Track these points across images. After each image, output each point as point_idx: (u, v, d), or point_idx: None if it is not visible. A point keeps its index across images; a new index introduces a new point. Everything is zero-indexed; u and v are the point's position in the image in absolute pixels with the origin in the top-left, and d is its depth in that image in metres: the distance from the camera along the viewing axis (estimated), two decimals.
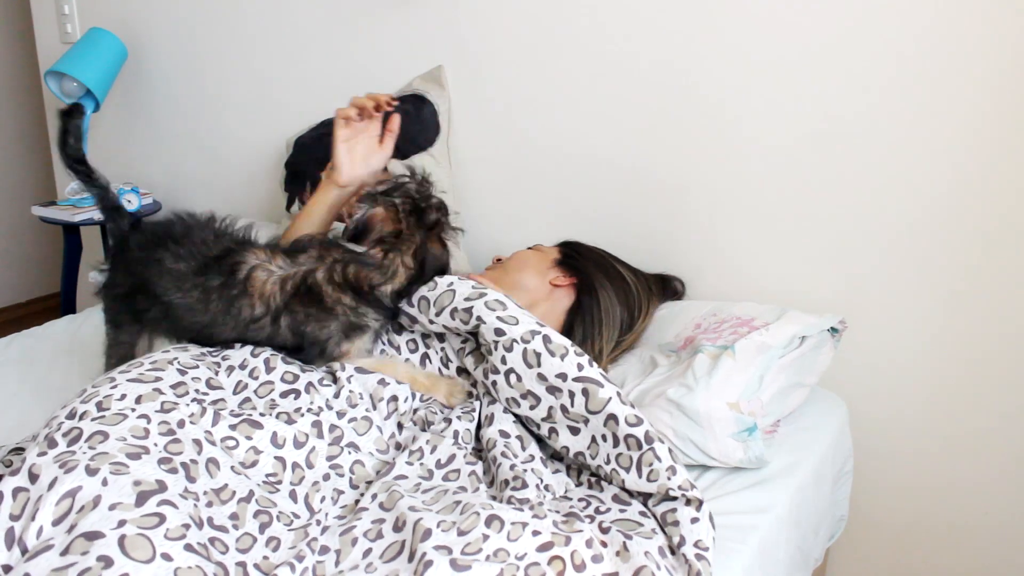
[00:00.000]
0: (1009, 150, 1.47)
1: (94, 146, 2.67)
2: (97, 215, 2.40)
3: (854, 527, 1.73)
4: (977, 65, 1.47)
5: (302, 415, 1.21)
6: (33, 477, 0.96)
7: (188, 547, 0.90)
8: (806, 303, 1.65)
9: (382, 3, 2.06)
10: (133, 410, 1.08)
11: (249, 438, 1.15)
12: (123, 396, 1.10)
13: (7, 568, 0.89)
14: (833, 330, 1.51)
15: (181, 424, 1.10)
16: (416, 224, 1.34)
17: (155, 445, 1.04)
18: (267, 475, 1.13)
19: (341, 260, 1.31)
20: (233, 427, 1.14)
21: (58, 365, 1.72)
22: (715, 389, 1.33)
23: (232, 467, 1.10)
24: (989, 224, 1.52)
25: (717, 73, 1.69)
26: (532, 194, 1.97)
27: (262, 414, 1.19)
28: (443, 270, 1.38)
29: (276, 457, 1.15)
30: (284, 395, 1.25)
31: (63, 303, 2.53)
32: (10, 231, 3.52)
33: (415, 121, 1.98)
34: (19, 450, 1.26)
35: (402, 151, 1.98)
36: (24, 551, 0.90)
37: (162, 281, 1.29)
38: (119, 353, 1.37)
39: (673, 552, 1.06)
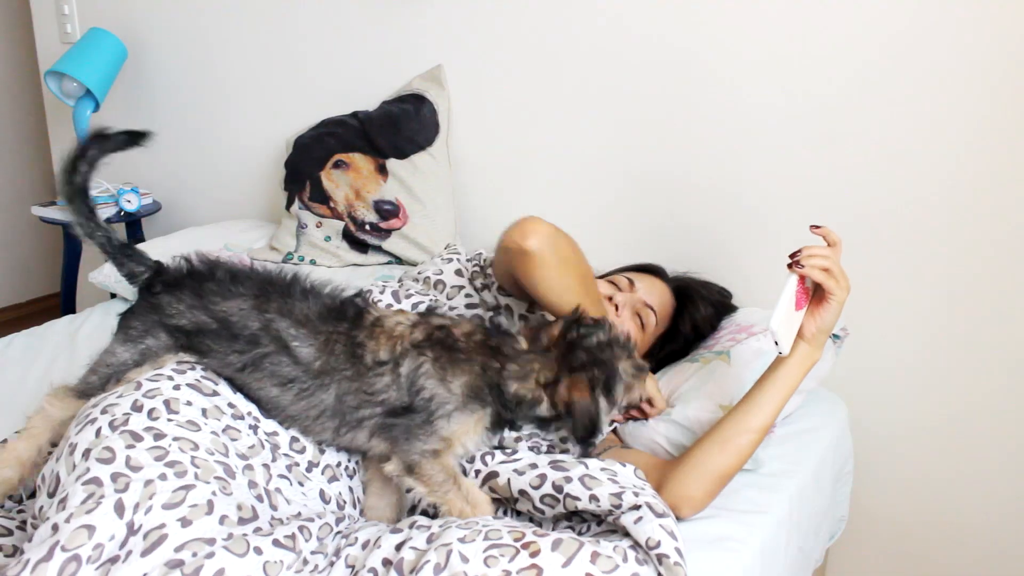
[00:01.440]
0: (1010, 153, 1.47)
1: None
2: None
3: (854, 527, 1.73)
4: (977, 69, 1.47)
5: (345, 474, 1.20)
6: (134, 468, 0.97)
7: (275, 542, 0.96)
8: None
9: (382, 3, 2.06)
10: (206, 424, 1.07)
11: (302, 484, 1.15)
12: (189, 403, 1.08)
13: (112, 535, 0.91)
14: (835, 336, 1.51)
15: (250, 449, 1.10)
16: (563, 354, 1.14)
17: (236, 468, 1.05)
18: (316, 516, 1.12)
19: (485, 326, 1.18)
20: (289, 468, 1.14)
21: (58, 365, 1.72)
22: (706, 395, 1.33)
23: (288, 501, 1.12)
24: (988, 225, 1.51)
25: (718, 74, 1.69)
26: (531, 193, 1.97)
27: (311, 463, 1.17)
28: (592, 423, 1.13)
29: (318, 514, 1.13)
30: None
31: (63, 303, 2.52)
32: (10, 231, 3.51)
33: (414, 120, 1.98)
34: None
35: (401, 150, 1.98)
36: (130, 526, 0.92)
37: (283, 322, 1.15)
38: (106, 373, 1.18)
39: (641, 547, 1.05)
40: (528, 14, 1.87)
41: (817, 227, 1.19)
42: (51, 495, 0.99)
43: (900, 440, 1.67)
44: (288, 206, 2.08)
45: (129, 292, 2.00)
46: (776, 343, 1.14)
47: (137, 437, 1.00)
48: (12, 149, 3.49)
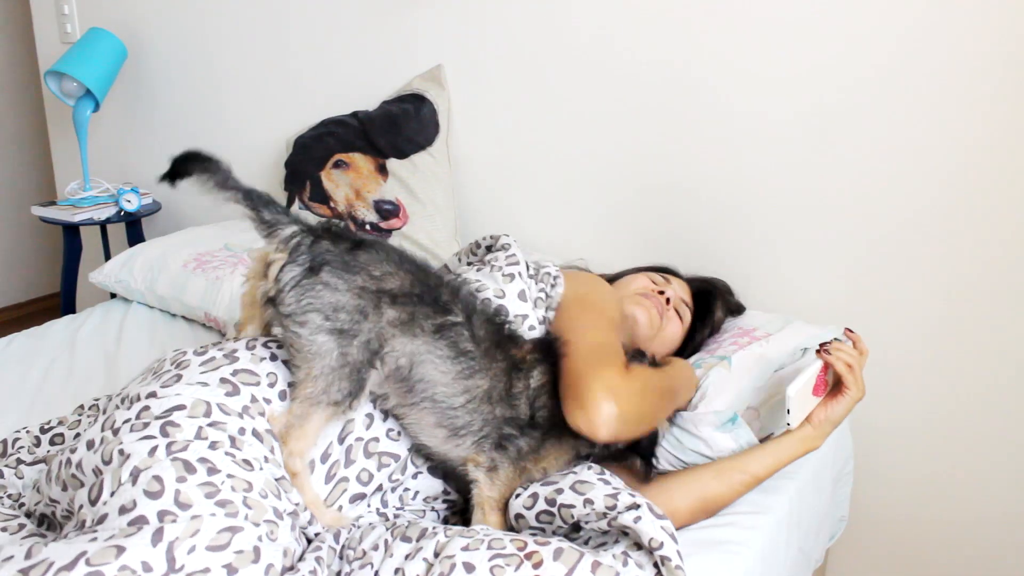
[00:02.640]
0: (1009, 154, 1.47)
1: (95, 146, 2.67)
2: (97, 215, 2.40)
3: (854, 527, 1.73)
4: (977, 71, 1.46)
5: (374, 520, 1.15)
6: (183, 505, 0.94)
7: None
8: (806, 305, 1.64)
9: (382, 3, 2.06)
10: (261, 468, 1.03)
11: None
12: (253, 443, 1.05)
13: (147, 566, 0.89)
14: (836, 340, 1.50)
15: (298, 505, 1.08)
16: None
17: (285, 511, 1.02)
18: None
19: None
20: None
21: (58, 365, 1.72)
22: (704, 400, 1.32)
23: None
24: (988, 225, 1.51)
25: (720, 75, 1.69)
26: (530, 193, 1.97)
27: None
28: (654, 439, 1.26)
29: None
30: (353, 500, 1.15)
31: (63, 303, 2.52)
32: (10, 231, 3.52)
33: (414, 120, 1.98)
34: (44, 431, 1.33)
35: (401, 150, 1.98)
36: (171, 561, 0.89)
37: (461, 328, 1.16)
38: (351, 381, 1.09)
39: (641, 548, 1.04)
40: (528, 13, 1.87)
41: (851, 331, 1.29)
42: (92, 502, 0.96)
43: (900, 440, 1.67)
44: (288, 206, 2.08)
45: (130, 293, 2.00)
46: (788, 411, 1.21)
47: (190, 468, 0.97)
48: (12, 149, 3.49)
